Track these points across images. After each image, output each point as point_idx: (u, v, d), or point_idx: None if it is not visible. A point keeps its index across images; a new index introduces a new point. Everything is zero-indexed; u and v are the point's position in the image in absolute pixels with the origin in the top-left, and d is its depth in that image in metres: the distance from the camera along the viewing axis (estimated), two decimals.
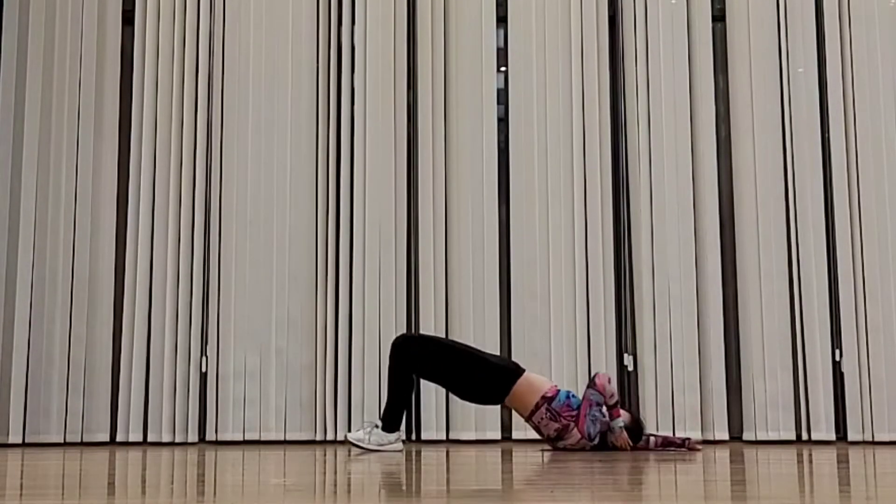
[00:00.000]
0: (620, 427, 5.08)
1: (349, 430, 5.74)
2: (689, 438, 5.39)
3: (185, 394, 6.17)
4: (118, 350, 6.26)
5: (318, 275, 6.29)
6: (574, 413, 5.08)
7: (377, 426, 5.14)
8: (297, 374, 6.22)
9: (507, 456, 4.79)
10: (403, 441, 5.31)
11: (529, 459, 4.40)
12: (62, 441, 6.15)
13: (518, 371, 5.22)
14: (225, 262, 6.31)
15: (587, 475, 3.50)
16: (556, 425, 5.05)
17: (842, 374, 6.12)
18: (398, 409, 5.19)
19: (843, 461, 4.39)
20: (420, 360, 5.22)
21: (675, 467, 4.04)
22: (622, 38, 6.48)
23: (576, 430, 5.04)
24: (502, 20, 6.53)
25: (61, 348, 6.22)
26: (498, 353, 5.92)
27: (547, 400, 5.09)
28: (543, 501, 2.58)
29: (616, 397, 5.12)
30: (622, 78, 6.45)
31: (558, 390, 5.18)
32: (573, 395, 5.19)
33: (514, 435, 6.07)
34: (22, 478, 3.51)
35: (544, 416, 5.08)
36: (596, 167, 6.33)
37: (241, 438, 6.15)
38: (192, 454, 5.17)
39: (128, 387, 6.19)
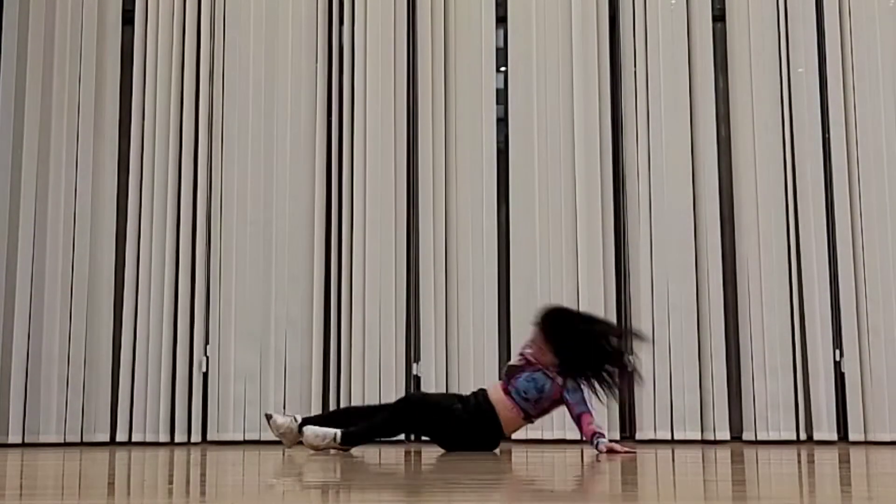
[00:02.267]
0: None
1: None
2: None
3: (186, 394, 6.17)
4: (118, 350, 6.27)
5: (317, 275, 6.29)
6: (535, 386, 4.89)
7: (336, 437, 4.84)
8: (296, 374, 6.22)
9: (506, 456, 4.79)
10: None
11: (529, 459, 4.40)
12: (62, 441, 6.15)
13: (491, 408, 4.92)
14: (225, 262, 6.31)
15: (587, 475, 3.50)
16: (536, 395, 4.88)
17: (842, 375, 6.12)
18: (369, 438, 4.99)
19: (843, 461, 4.39)
20: (420, 427, 5.11)
21: (675, 467, 4.04)
22: (622, 38, 6.48)
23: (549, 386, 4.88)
24: (502, 20, 6.53)
25: (61, 348, 6.22)
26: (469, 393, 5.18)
27: (512, 397, 4.90)
28: (543, 501, 2.58)
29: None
30: (622, 78, 6.45)
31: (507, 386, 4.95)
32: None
33: (514, 435, 6.06)
34: (21, 478, 3.51)
35: (529, 403, 4.88)
36: (596, 167, 6.32)
37: (242, 438, 6.14)
38: (192, 454, 5.16)
39: (128, 387, 6.20)
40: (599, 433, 4.82)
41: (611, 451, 4.71)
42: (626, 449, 4.85)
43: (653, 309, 6.22)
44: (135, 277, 6.29)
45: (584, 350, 4.85)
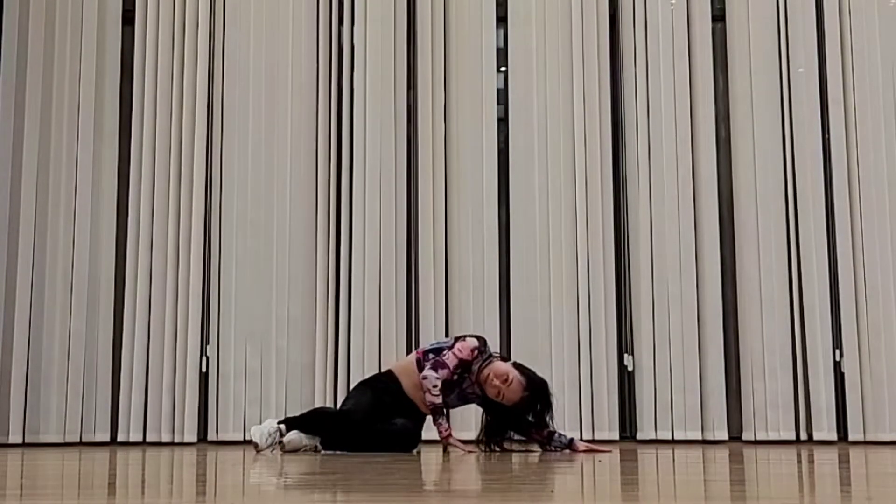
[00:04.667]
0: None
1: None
2: (571, 438, 4.97)
3: (185, 394, 6.17)
4: (118, 350, 6.27)
5: (317, 274, 6.29)
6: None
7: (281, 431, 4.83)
8: (297, 374, 6.22)
9: (506, 456, 4.78)
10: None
11: (528, 459, 4.40)
12: (62, 441, 6.15)
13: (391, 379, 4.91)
14: (225, 262, 6.31)
15: (586, 475, 3.50)
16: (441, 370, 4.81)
17: (842, 375, 6.12)
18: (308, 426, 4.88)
19: (843, 461, 4.39)
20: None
21: (675, 467, 4.04)
22: (622, 38, 6.48)
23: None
24: (502, 20, 6.53)
25: (61, 348, 6.22)
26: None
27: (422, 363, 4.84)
28: (543, 501, 2.58)
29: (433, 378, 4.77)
30: (622, 77, 6.46)
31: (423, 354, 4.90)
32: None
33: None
34: (22, 478, 3.51)
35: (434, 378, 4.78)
36: (596, 167, 6.33)
37: (242, 438, 6.14)
38: (192, 454, 5.16)
39: (128, 387, 6.19)
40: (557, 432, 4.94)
41: (590, 450, 4.87)
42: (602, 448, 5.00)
43: (653, 308, 6.22)
44: (135, 277, 6.29)
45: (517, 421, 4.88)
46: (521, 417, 4.87)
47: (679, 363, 6.17)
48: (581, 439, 5.36)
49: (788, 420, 6.09)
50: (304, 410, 5.40)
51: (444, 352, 4.83)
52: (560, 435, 4.94)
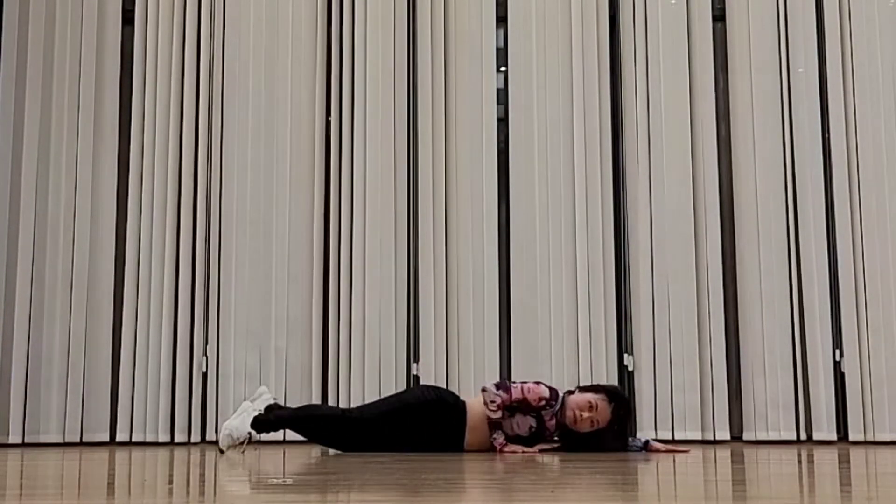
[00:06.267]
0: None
1: None
2: (647, 440, 5.10)
3: (185, 394, 6.17)
4: (118, 350, 6.26)
5: (317, 275, 6.29)
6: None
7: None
8: (297, 374, 6.22)
9: (507, 456, 4.78)
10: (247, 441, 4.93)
11: (532, 459, 4.40)
12: (62, 441, 6.15)
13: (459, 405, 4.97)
14: (225, 262, 6.31)
15: (587, 475, 3.50)
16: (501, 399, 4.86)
17: (842, 375, 6.12)
18: (281, 426, 4.96)
19: (843, 461, 4.39)
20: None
21: (675, 467, 4.04)
22: (622, 38, 6.48)
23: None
24: (502, 20, 6.53)
25: (61, 348, 6.22)
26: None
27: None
28: (543, 501, 2.58)
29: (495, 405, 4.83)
30: (622, 77, 6.45)
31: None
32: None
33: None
34: (21, 478, 3.51)
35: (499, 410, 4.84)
36: (596, 167, 6.33)
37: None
38: (192, 454, 5.16)
39: (128, 387, 6.19)
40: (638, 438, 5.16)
41: (669, 450, 4.96)
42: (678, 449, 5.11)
43: (653, 308, 6.22)
44: (135, 277, 6.29)
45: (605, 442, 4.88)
46: (607, 436, 4.85)
47: (679, 363, 6.17)
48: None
49: (789, 420, 6.09)
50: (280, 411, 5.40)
51: (516, 383, 4.92)
52: (634, 439, 5.06)
